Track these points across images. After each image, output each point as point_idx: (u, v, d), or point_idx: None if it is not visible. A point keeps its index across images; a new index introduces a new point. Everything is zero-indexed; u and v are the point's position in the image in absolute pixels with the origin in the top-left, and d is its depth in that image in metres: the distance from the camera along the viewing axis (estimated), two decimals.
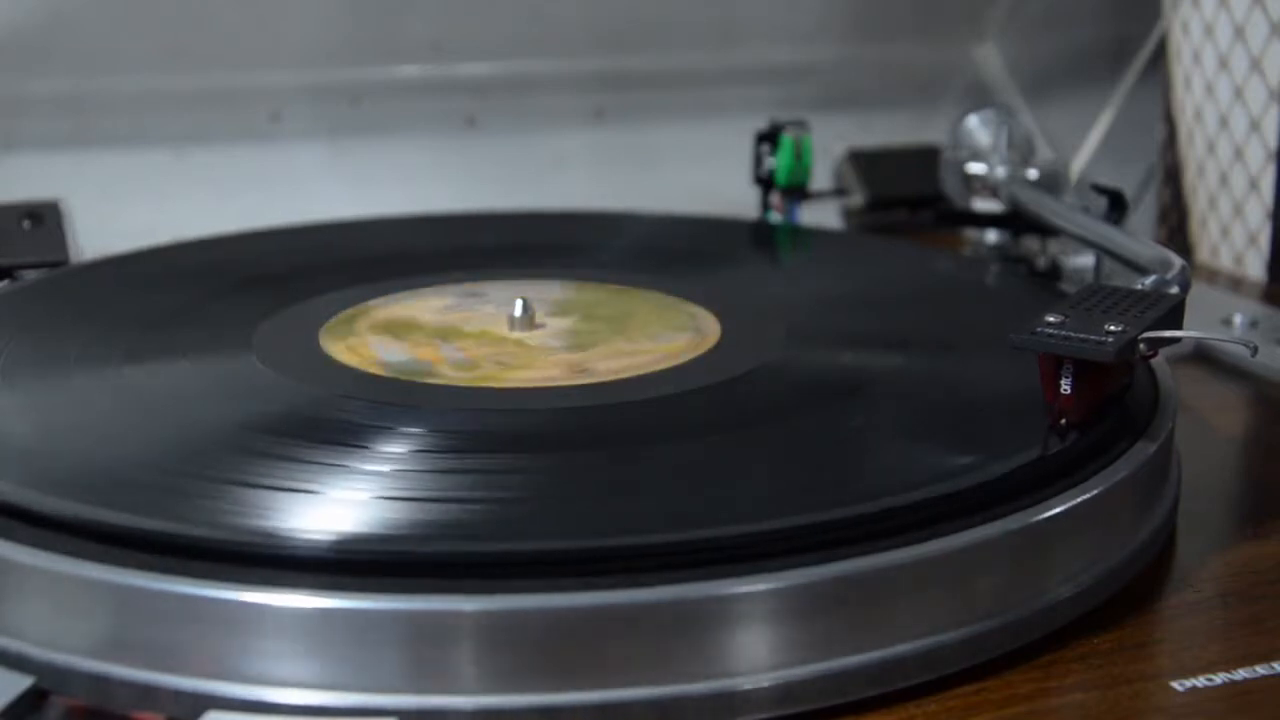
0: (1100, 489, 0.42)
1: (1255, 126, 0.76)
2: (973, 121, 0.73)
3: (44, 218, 0.67)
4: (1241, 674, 0.39)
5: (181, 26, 0.80)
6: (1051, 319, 0.43)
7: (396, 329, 0.54)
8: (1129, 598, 0.43)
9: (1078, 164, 0.93)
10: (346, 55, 0.84)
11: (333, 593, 0.35)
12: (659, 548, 0.37)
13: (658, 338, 0.54)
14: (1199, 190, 0.81)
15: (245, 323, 0.54)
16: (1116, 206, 0.62)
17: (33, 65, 0.78)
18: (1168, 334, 0.44)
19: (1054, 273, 0.70)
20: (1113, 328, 0.43)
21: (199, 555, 0.37)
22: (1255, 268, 0.77)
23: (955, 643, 0.38)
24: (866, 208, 0.82)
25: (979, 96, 0.93)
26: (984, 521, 0.39)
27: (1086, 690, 0.38)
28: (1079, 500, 0.41)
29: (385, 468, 0.42)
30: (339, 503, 0.40)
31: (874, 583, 0.37)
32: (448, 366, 0.50)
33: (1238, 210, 0.78)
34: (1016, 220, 0.70)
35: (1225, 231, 0.79)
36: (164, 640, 0.36)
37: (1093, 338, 0.42)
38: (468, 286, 0.60)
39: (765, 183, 0.78)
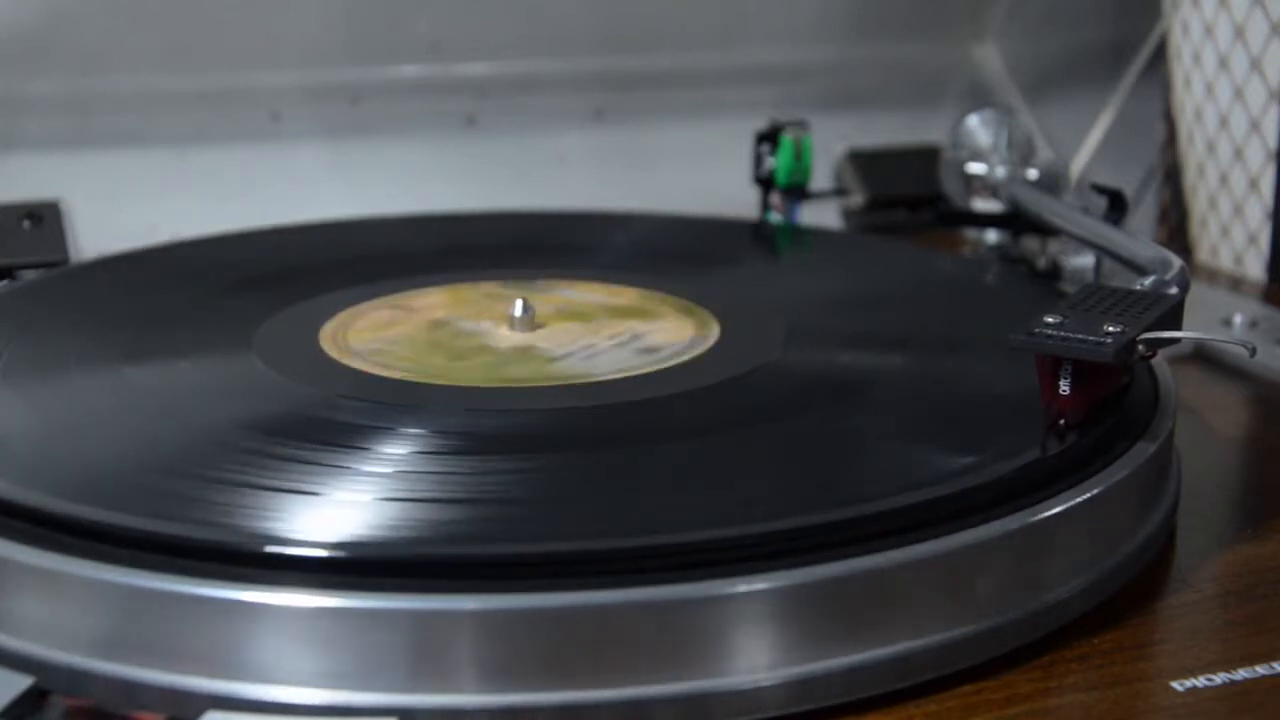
0: (1100, 489, 0.42)
1: (1255, 126, 0.76)
2: (973, 121, 0.73)
3: (44, 218, 0.67)
4: (1241, 674, 0.39)
5: (181, 26, 0.80)
6: (1050, 319, 0.43)
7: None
8: (1129, 598, 0.43)
9: (1078, 164, 0.93)
10: (346, 55, 0.84)
11: (333, 592, 0.35)
12: (658, 548, 0.37)
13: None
14: (1199, 190, 0.81)
15: (245, 323, 0.54)
16: (1116, 206, 0.62)
17: (33, 65, 0.78)
18: (1166, 334, 0.44)
19: (1054, 273, 0.70)
20: (1111, 328, 0.43)
21: (199, 555, 0.37)
22: (1255, 268, 0.77)
23: (955, 643, 0.38)
24: (866, 208, 0.82)
25: (979, 96, 0.93)
26: (984, 521, 0.39)
27: (1086, 690, 0.38)
28: (1079, 500, 0.41)
29: (386, 468, 0.42)
30: (339, 503, 0.40)
31: (874, 583, 0.37)
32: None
33: (1238, 210, 0.78)
34: (1016, 220, 0.70)
35: (1225, 231, 0.79)
36: (164, 640, 0.36)
37: (1091, 338, 0.42)
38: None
39: (765, 183, 0.78)
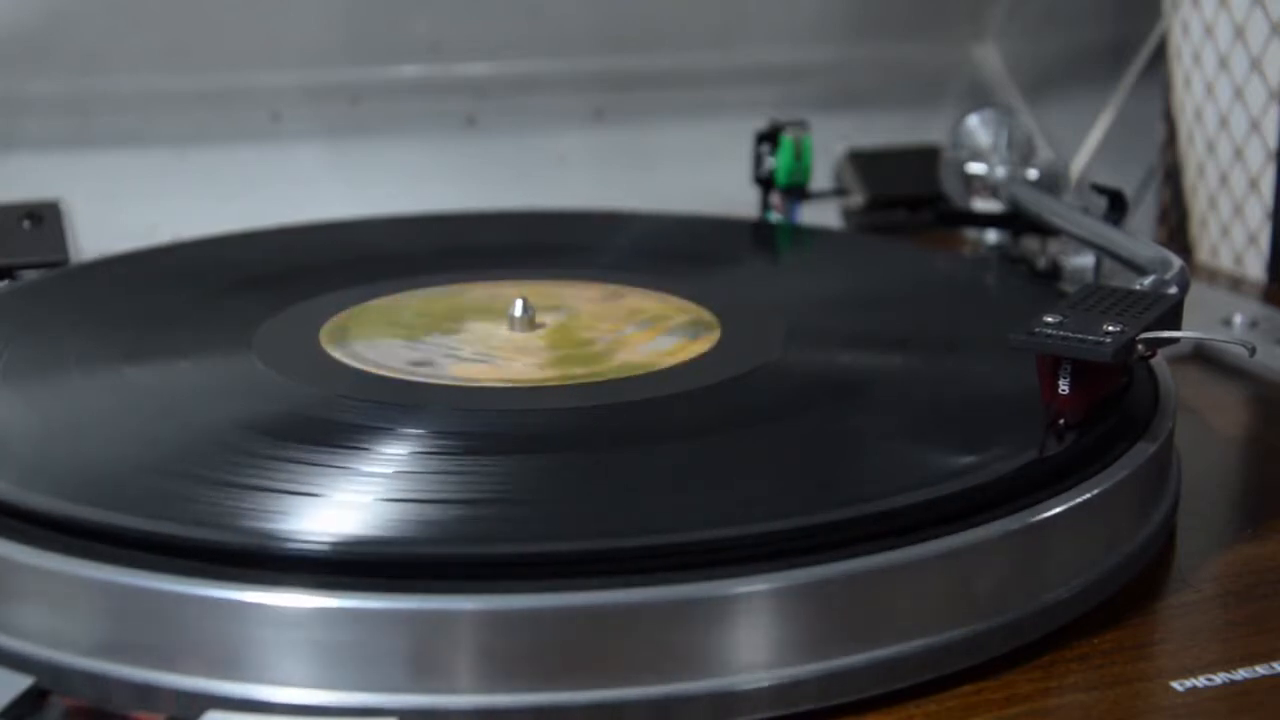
0: (1100, 489, 0.42)
1: (1255, 126, 0.76)
2: (973, 121, 0.73)
3: (44, 218, 0.67)
4: (1241, 674, 0.39)
5: (181, 26, 0.80)
6: (1050, 319, 0.43)
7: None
8: (1129, 598, 0.43)
9: (1078, 164, 0.93)
10: (346, 55, 0.84)
11: (333, 593, 0.35)
12: (659, 548, 0.37)
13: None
14: (1199, 190, 0.81)
15: (245, 323, 0.54)
16: (1116, 206, 0.62)
17: (33, 65, 0.78)
18: (1166, 334, 0.44)
19: (1054, 273, 0.70)
20: (1111, 328, 0.43)
21: (199, 555, 0.37)
22: (1255, 268, 0.77)
23: (955, 643, 0.39)
24: (866, 208, 0.82)
25: (979, 96, 0.93)
26: (984, 522, 0.39)
27: (1086, 690, 0.38)
28: (1079, 500, 0.41)
29: (385, 468, 0.42)
30: (339, 503, 0.40)
31: (874, 583, 0.37)
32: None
33: (1238, 210, 0.78)
34: (1016, 220, 0.70)
35: (1225, 231, 0.79)
36: (164, 640, 0.36)
37: (1091, 338, 0.42)
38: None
39: (765, 183, 0.78)
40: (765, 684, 0.36)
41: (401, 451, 0.43)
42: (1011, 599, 0.40)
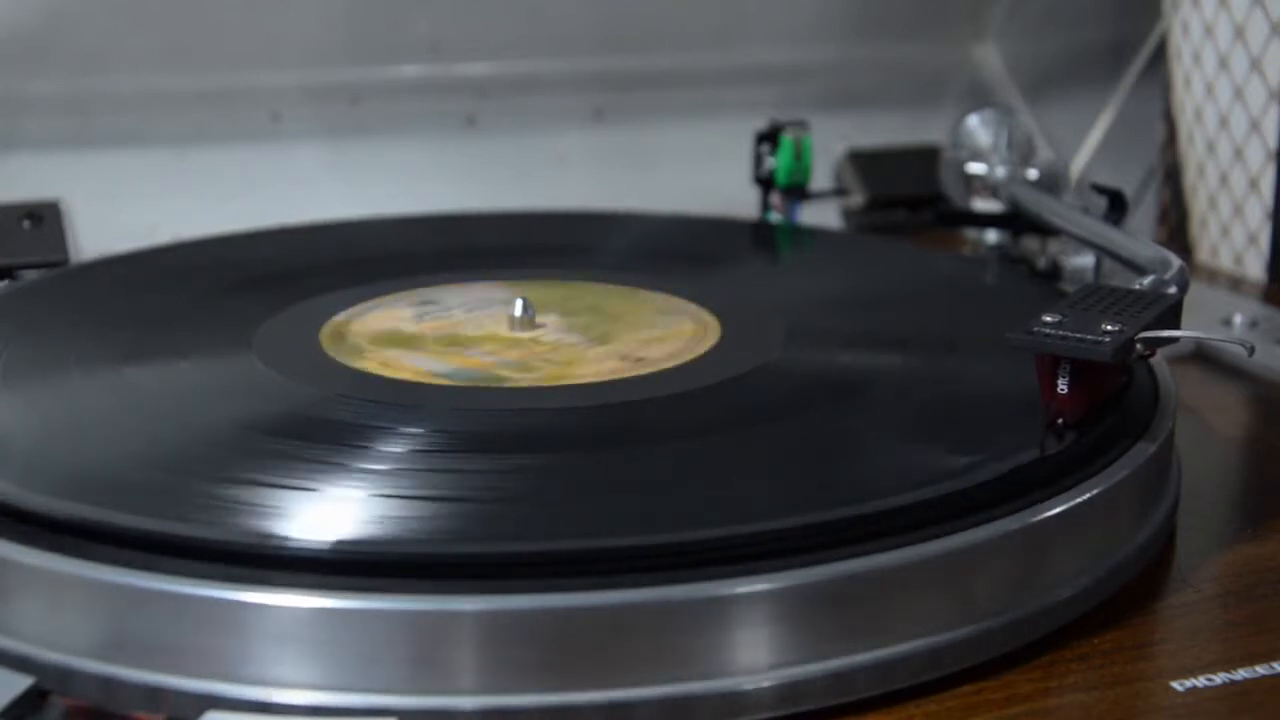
0: (1100, 489, 0.42)
1: (1255, 126, 0.76)
2: (973, 121, 0.73)
3: (44, 218, 0.67)
4: (1241, 674, 0.39)
5: (181, 26, 0.80)
6: (1049, 319, 0.43)
7: (403, 341, 0.54)
8: (1129, 598, 0.43)
9: (1078, 164, 0.93)
10: (346, 55, 0.84)
11: (333, 593, 0.35)
12: (659, 548, 0.37)
13: (657, 338, 0.54)
14: (1199, 190, 0.81)
15: (245, 323, 0.54)
16: (1116, 206, 0.62)
17: (33, 65, 0.78)
18: (1165, 334, 0.44)
19: (1054, 273, 0.70)
20: (1110, 327, 0.43)
21: (199, 555, 0.37)
22: (1255, 268, 0.77)
23: (955, 643, 0.39)
24: (866, 208, 0.82)
25: (979, 96, 0.93)
26: (984, 521, 0.39)
27: (1086, 690, 0.39)
28: (1079, 500, 0.41)
29: (385, 467, 0.42)
30: (339, 502, 0.40)
31: (874, 583, 0.37)
32: (504, 370, 0.50)
33: (1238, 210, 0.78)
34: (1016, 220, 0.70)
35: (1225, 231, 0.79)
36: (164, 640, 0.36)
37: (1090, 337, 0.42)
38: (459, 288, 0.60)
39: (765, 183, 0.78)
40: (766, 684, 0.36)
41: (401, 451, 0.43)
42: (1011, 599, 0.40)
